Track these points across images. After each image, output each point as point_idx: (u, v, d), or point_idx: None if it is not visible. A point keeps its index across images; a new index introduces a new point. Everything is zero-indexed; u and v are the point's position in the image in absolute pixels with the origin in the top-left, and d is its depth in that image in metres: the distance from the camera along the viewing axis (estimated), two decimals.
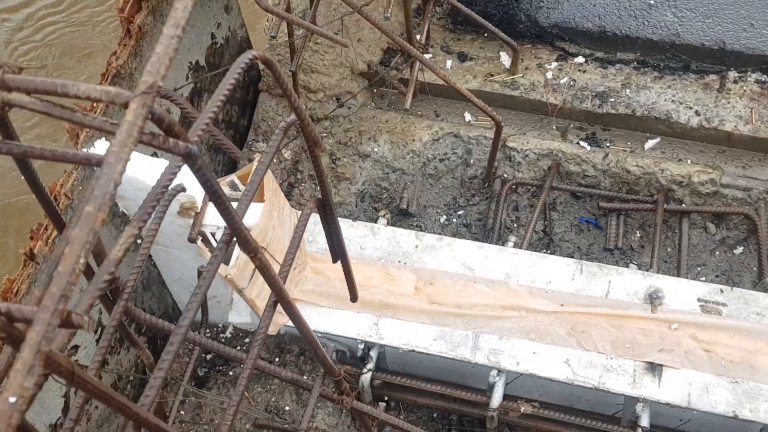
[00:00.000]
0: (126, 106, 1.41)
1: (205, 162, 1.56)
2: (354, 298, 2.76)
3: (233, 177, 3.72)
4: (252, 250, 1.87)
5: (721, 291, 3.64)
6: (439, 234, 4.66)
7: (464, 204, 4.82)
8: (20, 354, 1.22)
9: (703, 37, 4.61)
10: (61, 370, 1.40)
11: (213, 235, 3.58)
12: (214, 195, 1.68)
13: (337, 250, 2.55)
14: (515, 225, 4.72)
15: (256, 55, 1.89)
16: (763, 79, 4.62)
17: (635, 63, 4.79)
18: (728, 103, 4.58)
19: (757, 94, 4.59)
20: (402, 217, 4.72)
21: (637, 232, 4.63)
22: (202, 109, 4.38)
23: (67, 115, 1.53)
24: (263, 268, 1.96)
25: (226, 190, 3.64)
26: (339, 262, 2.76)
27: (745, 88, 4.61)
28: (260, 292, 3.60)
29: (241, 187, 3.67)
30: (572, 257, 4.56)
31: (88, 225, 1.28)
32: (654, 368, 3.43)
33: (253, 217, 3.45)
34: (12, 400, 1.18)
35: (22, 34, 7.17)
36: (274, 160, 4.89)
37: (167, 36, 1.51)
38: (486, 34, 5.03)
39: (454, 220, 4.77)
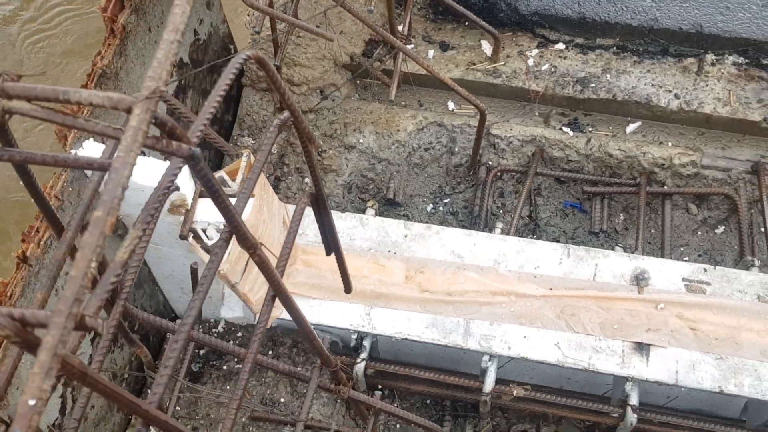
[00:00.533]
0: (129, 111, 1.44)
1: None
2: (348, 289, 2.80)
3: (222, 173, 3.73)
4: (252, 246, 1.90)
5: (705, 270, 3.72)
6: (427, 222, 4.72)
7: (450, 192, 4.87)
8: (37, 358, 1.25)
9: (681, 21, 4.68)
10: (74, 371, 1.43)
11: (204, 231, 3.61)
12: (215, 194, 1.71)
13: (331, 244, 2.59)
14: (501, 211, 4.78)
15: (251, 54, 1.91)
16: (740, 62, 4.71)
17: (615, 48, 4.85)
18: (707, 85, 4.66)
19: (734, 76, 4.68)
20: (389, 207, 4.76)
21: (621, 214, 4.71)
22: (188, 105, 4.40)
23: (70, 122, 1.55)
24: (262, 264, 1.99)
25: None
26: (331, 255, 2.80)
27: (722, 70, 4.70)
28: (252, 286, 3.64)
29: (230, 183, 3.69)
30: (558, 241, 4.64)
31: (99, 229, 1.31)
32: (642, 348, 3.51)
33: (244, 212, 3.46)
34: (32, 402, 1.21)
35: (28, 14, 7.09)
36: None
37: (167, 41, 1.53)
38: (467, 23, 5.07)
39: (441, 208, 4.82)
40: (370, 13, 4.02)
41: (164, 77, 1.47)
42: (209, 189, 1.66)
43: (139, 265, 2.35)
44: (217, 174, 3.72)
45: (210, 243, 3.49)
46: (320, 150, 4.79)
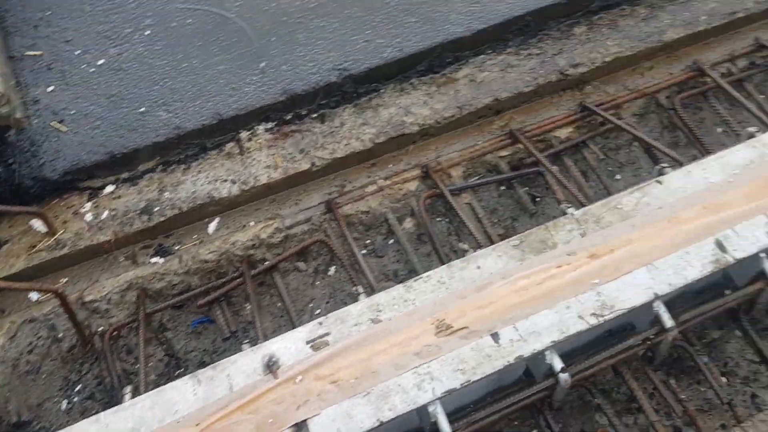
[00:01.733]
0: None
1: None
2: None
3: None
4: None
5: (320, 324, 3.88)
6: (67, 421, 4.32)
7: (77, 378, 4.51)
8: None
9: (201, 119, 4.90)
10: None
11: None
12: None
13: None
14: (137, 366, 4.55)
15: None
16: (269, 126, 5.06)
17: (160, 167, 4.91)
18: (254, 160, 4.93)
19: (271, 140, 5.01)
20: None
21: (247, 305, 4.76)
22: None
23: None
24: None
25: None
26: None
27: (259, 141, 5.01)
28: None
29: None
30: (204, 363, 4.54)
31: None
32: (301, 427, 3.54)
33: None
34: None
35: None
36: None
37: None
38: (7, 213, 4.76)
39: (76, 399, 4.44)
40: None
41: None
42: None
43: None
44: None
45: None
46: None
